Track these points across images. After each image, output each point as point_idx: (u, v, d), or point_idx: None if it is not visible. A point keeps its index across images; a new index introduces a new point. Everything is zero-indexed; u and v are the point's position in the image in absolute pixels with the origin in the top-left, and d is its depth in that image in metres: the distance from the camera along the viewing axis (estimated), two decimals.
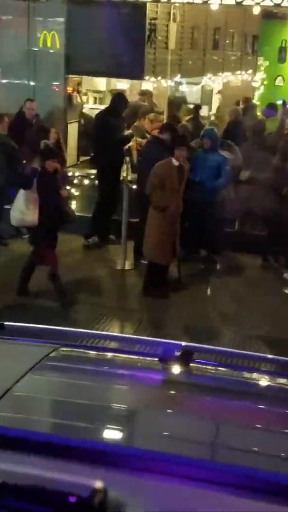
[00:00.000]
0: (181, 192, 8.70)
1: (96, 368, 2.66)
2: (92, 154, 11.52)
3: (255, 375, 2.81)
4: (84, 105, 14.53)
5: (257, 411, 2.36)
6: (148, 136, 10.60)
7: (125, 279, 9.68)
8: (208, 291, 9.41)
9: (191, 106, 14.71)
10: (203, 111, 15.02)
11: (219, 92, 16.77)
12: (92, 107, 14.60)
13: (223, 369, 2.82)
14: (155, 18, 12.67)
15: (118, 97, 10.97)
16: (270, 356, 3.03)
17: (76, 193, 11.69)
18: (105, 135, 10.30)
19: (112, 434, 2.11)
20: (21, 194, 8.24)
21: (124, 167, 10.16)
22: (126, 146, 10.73)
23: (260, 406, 2.45)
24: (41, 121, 11.25)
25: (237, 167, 10.42)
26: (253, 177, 10.35)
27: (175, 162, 8.58)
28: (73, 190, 11.51)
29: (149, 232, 8.76)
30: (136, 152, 10.89)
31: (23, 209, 8.08)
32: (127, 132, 10.77)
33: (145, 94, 13.90)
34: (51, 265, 8.18)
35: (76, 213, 8.91)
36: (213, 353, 3.06)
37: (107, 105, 11.56)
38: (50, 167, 8.04)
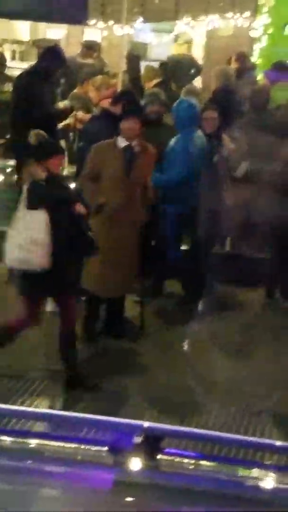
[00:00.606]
0: (137, 187, 8.76)
1: (9, 463, 2.62)
2: (9, 136, 11.56)
3: (256, 472, 2.78)
4: None
5: None
6: (95, 109, 10.65)
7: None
8: (185, 344, 9.41)
9: (158, 65, 14.82)
10: None
11: (184, 40, 16.72)
12: (9, 66, 14.63)
13: (207, 463, 2.79)
14: None
15: (50, 52, 11.04)
16: (278, 443, 3.03)
17: None
18: (29, 107, 10.33)
19: None
20: (20, 218, 7.87)
21: None
22: (61, 124, 10.74)
23: None
24: None
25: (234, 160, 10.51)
26: (252, 172, 10.43)
27: (121, 142, 8.69)
28: None
29: None
30: (76, 133, 10.90)
31: (26, 243, 7.71)
32: (62, 104, 10.79)
33: (89, 47, 13.99)
34: (69, 323, 8.30)
35: None
36: (191, 439, 3.05)
37: (33, 63, 11.57)
38: (56, 169, 8.00)
